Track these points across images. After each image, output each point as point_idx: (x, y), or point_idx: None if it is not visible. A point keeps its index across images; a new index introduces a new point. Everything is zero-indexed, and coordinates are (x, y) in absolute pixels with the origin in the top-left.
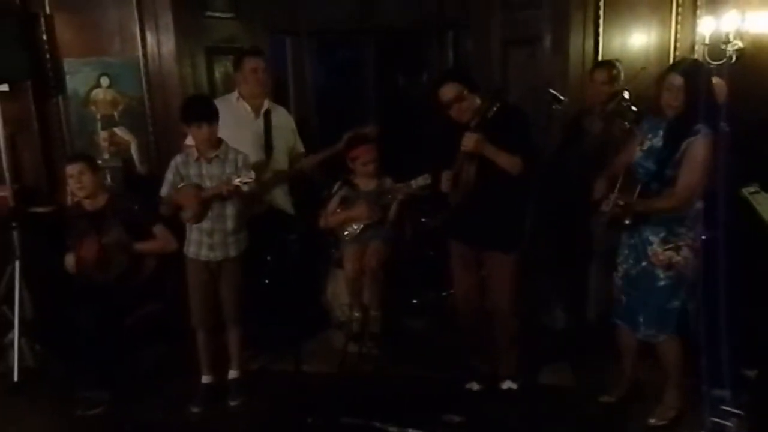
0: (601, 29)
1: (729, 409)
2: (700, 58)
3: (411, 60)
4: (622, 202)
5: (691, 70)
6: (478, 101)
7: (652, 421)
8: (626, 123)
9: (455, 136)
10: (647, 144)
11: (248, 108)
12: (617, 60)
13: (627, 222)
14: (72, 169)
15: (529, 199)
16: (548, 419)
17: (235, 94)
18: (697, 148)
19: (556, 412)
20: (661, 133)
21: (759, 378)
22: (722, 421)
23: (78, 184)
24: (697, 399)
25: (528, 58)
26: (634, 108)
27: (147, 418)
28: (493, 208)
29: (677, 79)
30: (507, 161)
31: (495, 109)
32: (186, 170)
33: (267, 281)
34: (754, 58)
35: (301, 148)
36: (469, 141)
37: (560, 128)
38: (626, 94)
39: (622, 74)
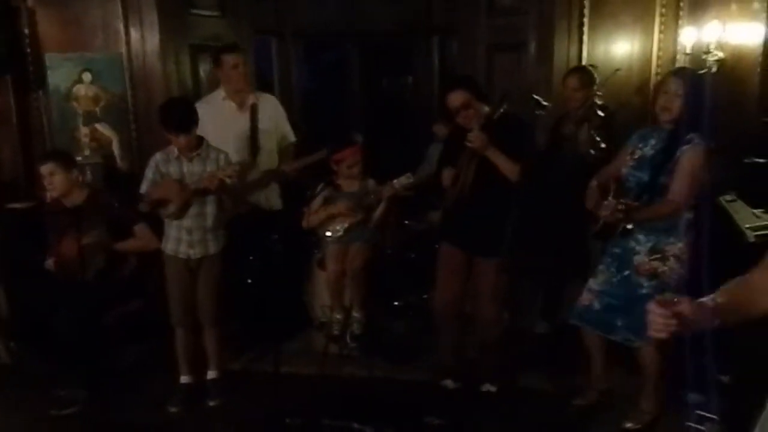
0: (585, 37)
1: (704, 413)
2: None
3: (396, 63)
4: (623, 207)
5: (690, 77)
6: (485, 109)
7: (628, 425)
8: (591, 131)
9: (461, 140)
10: (638, 153)
11: (233, 105)
12: (592, 65)
13: (629, 227)
14: (44, 170)
15: (517, 205)
16: (526, 421)
17: (221, 92)
18: (691, 156)
19: (533, 415)
20: (652, 142)
21: (732, 383)
22: (697, 426)
23: (50, 185)
24: (672, 403)
25: (513, 63)
26: (600, 113)
27: (124, 418)
28: (487, 213)
29: (676, 84)
30: (508, 166)
31: (502, 111)
32: (166, 168)
33: (249, 281)
34: (734, 69)
35: (291, 138)
36: (475, 138)
37: (542, 133)
38: (598, 100)
39: (597, 79)
